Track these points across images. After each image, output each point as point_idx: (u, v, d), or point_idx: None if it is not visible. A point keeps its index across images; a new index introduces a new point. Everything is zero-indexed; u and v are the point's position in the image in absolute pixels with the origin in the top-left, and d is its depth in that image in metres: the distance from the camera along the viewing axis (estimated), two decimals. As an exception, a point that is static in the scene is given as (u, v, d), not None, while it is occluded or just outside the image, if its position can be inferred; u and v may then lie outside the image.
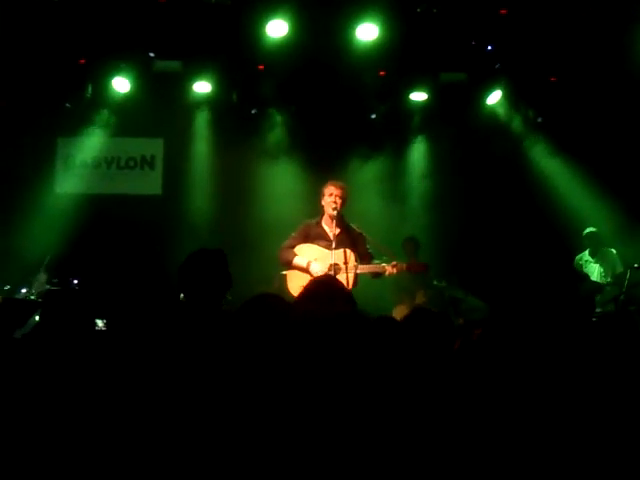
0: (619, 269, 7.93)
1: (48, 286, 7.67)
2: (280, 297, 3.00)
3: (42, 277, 7.99)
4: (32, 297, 7.52)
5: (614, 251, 8.16)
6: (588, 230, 8.21)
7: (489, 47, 8.28)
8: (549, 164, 8.99)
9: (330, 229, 6.24)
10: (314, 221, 6.43)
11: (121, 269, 8.07)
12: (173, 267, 3.66)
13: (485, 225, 8.82)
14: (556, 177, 8.93)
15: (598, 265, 8.13)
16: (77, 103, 8.79)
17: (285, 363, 2.35)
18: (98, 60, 8.43)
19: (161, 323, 3.34)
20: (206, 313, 3.47)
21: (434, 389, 2.58)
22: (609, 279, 7.90)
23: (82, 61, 8.40)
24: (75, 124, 9.05)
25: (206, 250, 3.75)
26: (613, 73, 8.19)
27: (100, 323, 3.67)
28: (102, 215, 8.80)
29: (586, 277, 7.84)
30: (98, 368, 2.83)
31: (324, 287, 3.44)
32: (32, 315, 5.74)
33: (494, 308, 6.64)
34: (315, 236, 6.31)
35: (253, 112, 9.08)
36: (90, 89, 8.68)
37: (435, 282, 7.55)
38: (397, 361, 2.63)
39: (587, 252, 8.25)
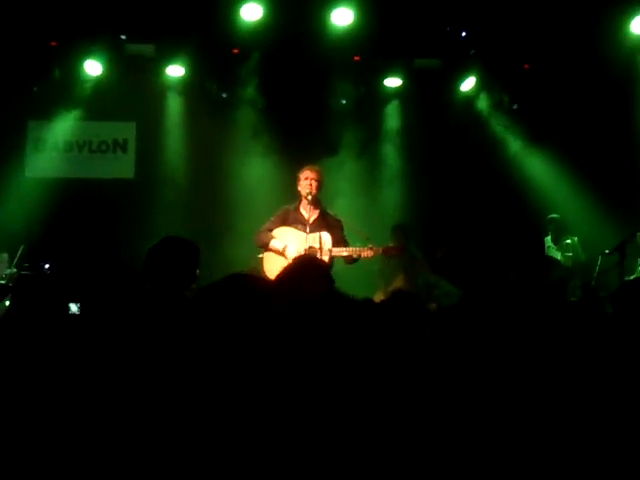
0: (582, 257, 7.99)
1: (13, 269, 7.57)
2: (256, 276, 2.98)
3: (3, 257, 7.89)
4: (2, 282, 7.43)
5: (576, 239, 8.20)
6: (550, 216, 8.28)
7: (463, 33, 8.29)
8: (522, 150, 9.06)
9: (307, 213, 6.27)
10: (292, 206, 6.45)
11: (93, 253, 7.99)
12: (145, 251, 3.62)
13: (458, 211, 8.86)
14: (529, 163, 9.02)
15: (560, 253, 8.13)
16: (45, 86, 8.66)
17: (263, 346, 2.34)
18: (69, 42, 8.31)
19: (129, 308, 3.31)
20: (168, 301, 3.43)
21: (401, 374, 2.58)
22: (570, 266, 7.90)
23: (54, 43, 8.28)
24: (46, 107, 8.89)
25: (178, 239, 3.66)
26: (585, 60, 8.26)
27: (74, 307, 3.63)
28: (74, 199, 8.71)
29: (557, 263, 7.87)
30: (71, 353, 2.81)
31: (305, 266, 3.46)
32: (1, 300, 5.68)
33: (466, 294, 6.67)
34: (293, 220, 6.34)
35: (224, 96, 9.02)
36: (57, 72, 8.55)
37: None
38: (368, 344, 2.63)
39: (549, 238, 8.25)
